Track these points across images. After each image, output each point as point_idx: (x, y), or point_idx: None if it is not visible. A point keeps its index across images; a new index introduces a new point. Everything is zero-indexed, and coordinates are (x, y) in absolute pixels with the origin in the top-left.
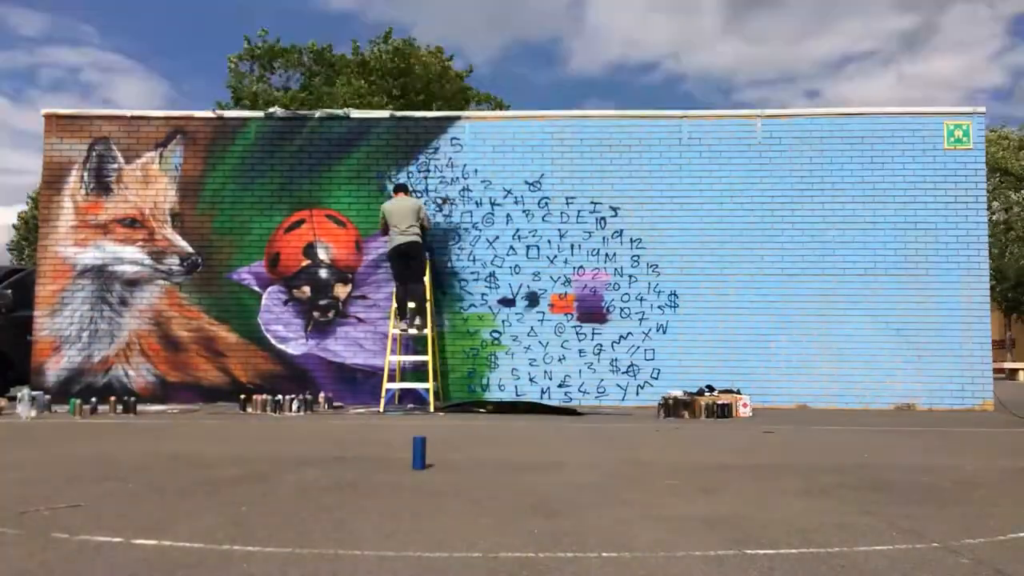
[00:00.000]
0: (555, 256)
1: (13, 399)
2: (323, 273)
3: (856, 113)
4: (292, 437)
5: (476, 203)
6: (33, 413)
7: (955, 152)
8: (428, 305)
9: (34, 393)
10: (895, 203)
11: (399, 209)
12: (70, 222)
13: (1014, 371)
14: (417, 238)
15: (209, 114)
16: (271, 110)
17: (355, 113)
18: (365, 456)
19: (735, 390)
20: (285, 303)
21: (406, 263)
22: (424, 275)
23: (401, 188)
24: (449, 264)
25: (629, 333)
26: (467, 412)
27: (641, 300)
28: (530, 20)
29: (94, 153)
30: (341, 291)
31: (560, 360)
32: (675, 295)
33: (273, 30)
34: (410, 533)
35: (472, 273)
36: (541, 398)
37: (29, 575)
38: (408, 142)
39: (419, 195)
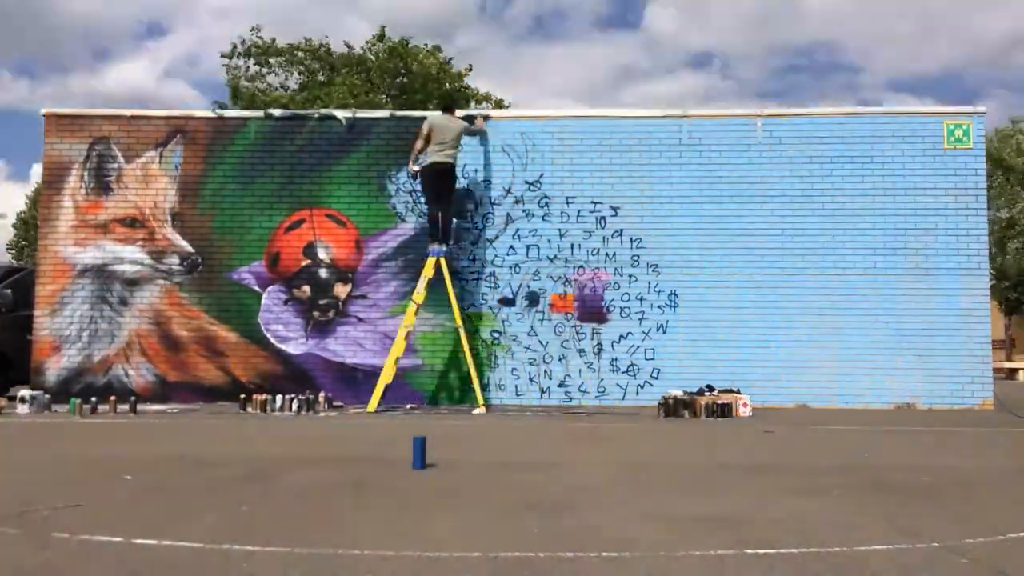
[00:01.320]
0: (555, 256)
1: (13, 399)
2: (323, 273)
3: (856, 113)
4: (292, 437)
5: (476, 202)
6: (32, 411)
7: (955, 152)
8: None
9: (34, 393)
10: (895, 203)
11: (446, 127)
12: (70, 222)
13: (1014, 371)
14: (455, 161)
15: (209, 114)
16: (271, 110)
17: (358, 113)
18: (365, 456)
19: (735, 390)
20: (285, 303)
21: (443, 184)
22: (451, 200)
23: (450, 107)
24: (449, 263)
25: (629, 333)
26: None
27: (641, 300)
28: None
29: (94, 153)
30: (341, 291)
31: (560, 360)
32: (675, 295)
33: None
34: (410, 533)
35: (472, 273)
36: (541, 398)
37: (29, 575)
38: (408, 141)
39: (419, 194)
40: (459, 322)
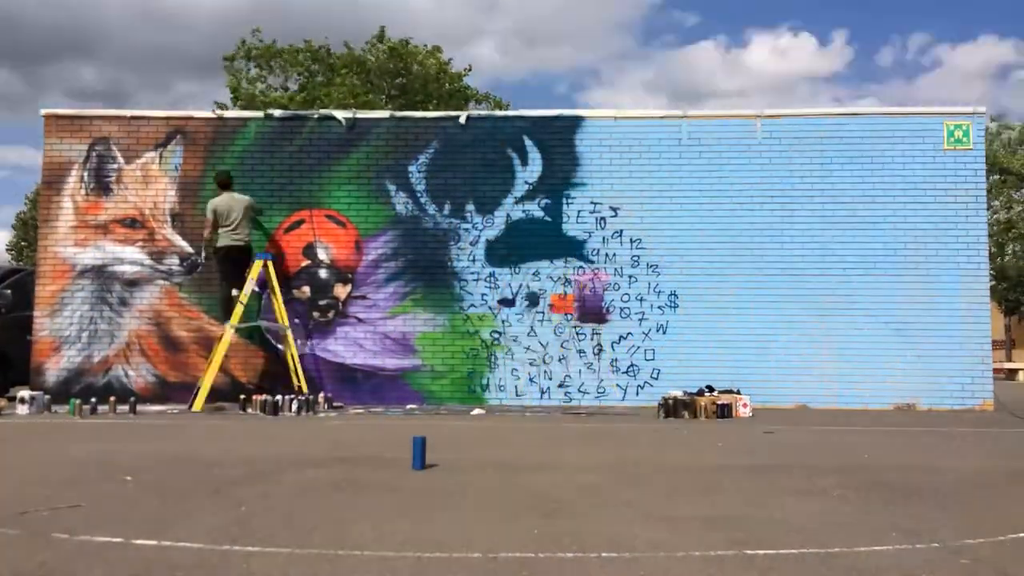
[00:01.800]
0: (555, 256)
1: (13, 399)
2: (323, 273)
3: (856, 113)
4: (292, 437)
5: (476, 202)
6: (32, 411)
7: (955, 152)
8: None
9: (34, 393)
10: (895, 203)
11: (229, 207)
12: (70, 222)
13: (1014, 371)
14: (248, 241)
15: (209, 114)
16: (271, 110)
17: (358, 114)
18: (365, 456)
19: (735, 390)
20: (285, 303)
21: (237, 265)
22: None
23: (227, 182)
24: (449, 264)
25: (629, 333)
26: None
27: (641, 300)
28: None
29: (94, 153)
30: (341, 291)
31: (560, 360)
32: (675, 295)
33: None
34: (410, 533)
35: (472, 273)
36: (541, 398)
37: (29, 575)
38: (408, 142)
39: (419, 195)
40: (285, 324)
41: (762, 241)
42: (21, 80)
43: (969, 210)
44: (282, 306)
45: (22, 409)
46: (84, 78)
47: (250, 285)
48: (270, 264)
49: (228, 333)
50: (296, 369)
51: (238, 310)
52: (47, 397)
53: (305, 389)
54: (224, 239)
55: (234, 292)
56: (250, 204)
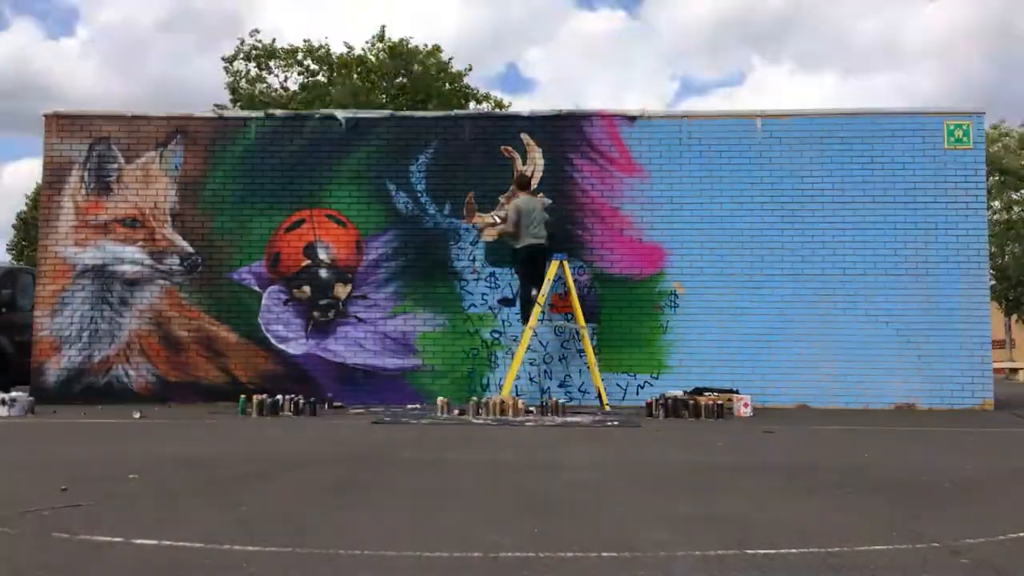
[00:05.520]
0: (556, 255)
1: (3, 403)
2: (323, 273)
3: (856, 113)
4: (292, 437)
5: (476, 202)
6: (14, 414)
7: (955, 152)
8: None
9: (15, 395)
10: (895, 203)
11: (534, 206)
12: (70, 222)
13: (1014, 371)
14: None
15: (209, 114)
16: (271, 110)
17: (357, 113)
18: (365, 456)
19: (735, 390)
20: (285, 303)
21: (535, 264)
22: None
23: (527, 183)
24: (449, 264)
25: None
26: None
27: (641, 300)
28: None
29: (94, 153)
30: (341, 291)
31: (560, 360)
32: (675, 295)
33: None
34: (410, 533)
35: (472, 273)
36: (541, 398)
37: (29, 575)
38: (408, 141)
39: (419, 194)
40: (581, 324)
41: (762, 241)
42: None
43: (969, 210)
44: (578, 305)
45: (2, 411)
46: None
47: (547, 285)
48: (566, 264)
49: (527, 334)
50: (593, 371)
51: (535, 311)
52: (30, 399)
53: (604, 397)
54: (527, 239)
55: (533, 292)
56: (547, 204)
